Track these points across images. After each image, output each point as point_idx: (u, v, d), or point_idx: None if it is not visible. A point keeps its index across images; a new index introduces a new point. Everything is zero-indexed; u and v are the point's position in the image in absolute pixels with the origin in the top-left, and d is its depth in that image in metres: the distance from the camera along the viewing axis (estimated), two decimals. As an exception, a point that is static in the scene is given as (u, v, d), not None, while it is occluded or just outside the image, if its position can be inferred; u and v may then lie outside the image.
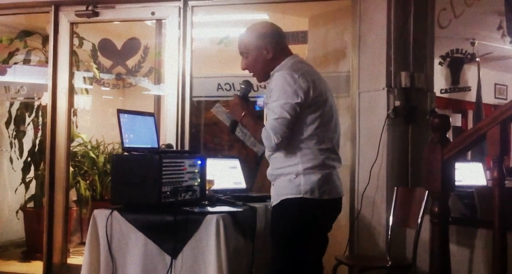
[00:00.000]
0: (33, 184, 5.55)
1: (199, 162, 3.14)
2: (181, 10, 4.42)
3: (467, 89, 6.11)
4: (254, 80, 2.84)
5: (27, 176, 5.55)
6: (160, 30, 4.80)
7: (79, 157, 5.75)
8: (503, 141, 2.17)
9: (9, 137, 5.62)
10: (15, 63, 5.28)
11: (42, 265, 4.64)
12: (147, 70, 4.80)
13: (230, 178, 3.77)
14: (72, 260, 4.74)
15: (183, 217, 2.75)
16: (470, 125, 7.02)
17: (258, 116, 2.78)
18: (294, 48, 2.76)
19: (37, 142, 5.57)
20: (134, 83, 4.78)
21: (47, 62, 4.81)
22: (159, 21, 4.76)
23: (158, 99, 4.99)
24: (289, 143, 2.51)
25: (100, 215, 2.88)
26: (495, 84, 7.42)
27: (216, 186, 3.38)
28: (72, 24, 4.71)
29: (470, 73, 6.17)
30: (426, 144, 2.61)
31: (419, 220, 3.31)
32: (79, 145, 5.76)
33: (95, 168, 5.74)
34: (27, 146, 5.60)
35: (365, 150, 3.94)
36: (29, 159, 5.56)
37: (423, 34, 3.96)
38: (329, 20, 4.74)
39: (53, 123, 4.67)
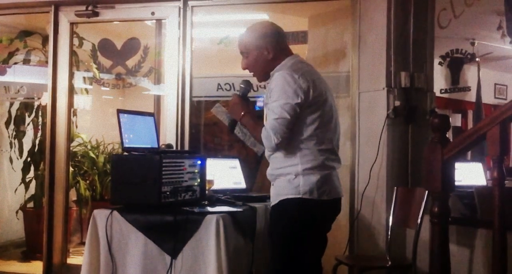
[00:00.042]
0: (33, 184, 5.55)
1: (199, 162, 3.14)
2: (181, 10, 4.42)
3: (467, 89, 6.11)
4: (254, 80, 2.84)
5: (27, 176, 5.55)
6: (160, 30, 4.80)
7: (79, 157, 5.75)
8: (503, 141, 2.17)
9: (9, 137, 5.62)
10: (15, 63, 5.28)
11: (42, 265, 4.64)
12: (147, 70, 4.80)
13: (230, 178, 3.77)
14: (72, 260, 4.74)
15: (183, 217, 2.75)
16: (470, 125, 7.02)
17: (258, 116, 2.78)
18: (294, 48, 2.76)
19: (37, 142, 5.57)
20: (134, 83, 4.78)
21: (47, 62, 4.81)
22: (159, 21, 4.76)
23: (158, 99, 4.99)
24: (289, 143, 2.51)
25: (100, 215, 2.88)
26: (495, 84, 7.42)
27: (216, 186, 3.38)
28: (72, 24, 4.71)
29: (470, 73, 6.18)
30: (426, 144, 2.61)
31: (419, 220, 3.31)
32: (79, 145, 5.75)
33: (95, 168, 5.73)
34: (27, 146, 5.60)
35: (365, 150, 3.94)
36: (29, 159, 5.56)
37: (423, 34, 3.96)
38: (329, 20, 4.74)
39: (53, 123, 4.67)
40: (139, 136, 3.14)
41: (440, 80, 5.58)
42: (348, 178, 4.00)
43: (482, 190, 3.33)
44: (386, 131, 3.81)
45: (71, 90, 4.77)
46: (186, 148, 4.38)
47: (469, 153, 4.87)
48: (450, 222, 2.44)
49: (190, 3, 4.43)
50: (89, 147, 5.87)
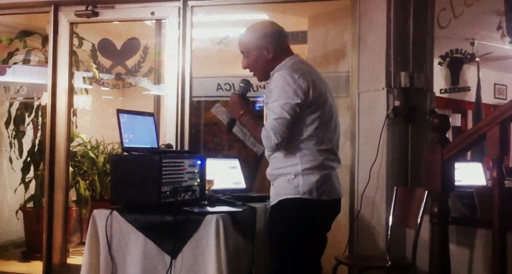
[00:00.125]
0: (32, 184, 5.55)
1: (198, 162, 3.14)
2: (181, 10, 4.42)
3: (467, 89, 6.12)
4: (254, 80, 2.84)
5: (27, 176, 5.55)
6: (160, 30, 4.80)
7: (79, 157, 5.75)
8: (503, 141, 2.17)
9: (8, 137, 5.62)
10: (15, 63, 5.28)
11: (42, 265, 4.64)
12: (147, 70, 4.80)
13: (230, 178, 3.77)
14: (72, 260, 4.74)
15: (182, 217, 2.75)
16: (469, 125, 7.02)
17: (257, 116, 2.78)
18: (294, 48, 2.75)
19: (37, 142, 5.57)
20: (134, 83, 4.77)
21: (46, 62, 4.82)
22: (158, 21, 4.76)
23: (157, 99, 4.99)
24: (288, 143, 2.51)
25: (100, 215, 2.88)
26: (495, 84, 7.42)
27: (216, 186, 3.38)
28: (71, 24, 4.71)
29: (469, 73, 6.18)
30: (425, 144, 2.61)
31: (418, 220, 3.31)
32: (79, 145, 5.75)
33: (94, 168, 5.73)
34: (26, 146, 5.60)
35: (365, 150, 3.94)
36: (28, 159, 5.55)
37: (423, 34, 3.97)
38: (328, 20, 4.74)
39: (53, 123, 4.67)
40: (139, 136, 3.14)
41: (440, 80, 5.58)
42: (348, 178, 4.00)
43: (482, 190, 3.34)
44: (386, 131, 3.81)
45: (71, 90, 4.77)
46: (186, 148, 4.38)
47: (469, 153, 4.87)
48: (450, 222, 2.44)
49: (190, 3, 4.43)
50: (89, 147, 5.87)
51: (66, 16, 4.68)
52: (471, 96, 6.37)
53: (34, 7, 4.81)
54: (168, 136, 4.38)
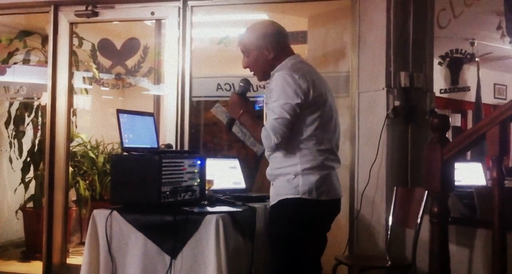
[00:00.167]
0: (32, 184, 5.54)
1: (198, 162, 3.14)
2: (181, 10, 4.42)
3: (467, 89, 6.12)
4: (253, 80, 2.84)
5: (27, 176, 5.55)
6: (160, 30, 4.80)
7: (79, 157, 5.75)
8: (503, 140, 2.17)
9: (8, 137, 5.62)
10: (15, 63, 5.28)
11: (42, 265, 4.64)
12: (147, 70, 4.80)
13: (230, 178, 3.77)
14: (72, 260, 4.74)
15: (182, 217, 2.75)
16: (469, 125, 7.03)
17: (257, 116, 2.78)
18: (294, 48, 2.75)
19: (37, 142, 5.57)
20: (134, 83, 4.78)
21: (46, 62, 4.81)
22: (158, 21, 4.76)
23: (157, 99, 4.99)
24: (288, 143, 2.51)
25: (100, 215, 2.88)
26: (495, 84, 7.42)
27: (216, 186, 3.38)
28: (71, 24, 4.71)
29: (469, 73, 6.18)
30: (425, 144, 2.61)
31: (418, 220, 3.31)
32: (79, 145, 5.75)
33: (94, 168, 5.73)
34: (26, 146, 5.60)
35: (365, 150, 3.94)
36: (28, 159, 5.55)
37: (423, 34, 3.97)
38: (328, 20, 4.74)
39: (53, 123, 4.67)
40: (138, 136, 3.14)
41: (439, 80, 5.59)
42: (347, 178, 4.00)
43: (482, 190, 3.34)
44: (385, 131, 3.81)
45: (71, 90, 4.77)
46: (186, 148, 4.38)
47: (469, 153, 4.87)
48: (450, 222, 2.44)
49: (189, 3, 4.43)
50: (88, 147, 5.87)
51: (66, 16, 4.68)
52: (471, 96, 6.37)
53: (34, 7, 4.81)
54: (168, 136, 4.38)
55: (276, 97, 2.49)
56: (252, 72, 2.74)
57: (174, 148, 4.10)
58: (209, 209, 2.91)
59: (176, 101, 4.40)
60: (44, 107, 4.96)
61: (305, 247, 2.52)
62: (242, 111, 2.67)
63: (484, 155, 4.84)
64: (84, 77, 5.13)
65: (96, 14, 4.57)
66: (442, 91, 5.76)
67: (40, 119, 5.53)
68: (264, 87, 4.11)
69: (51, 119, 4.67)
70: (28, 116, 5.59)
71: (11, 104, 5.53)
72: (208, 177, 3.22)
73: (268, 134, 2.47)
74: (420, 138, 3.86)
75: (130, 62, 4.75)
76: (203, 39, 4.96)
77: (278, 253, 2.57)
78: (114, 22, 4.88)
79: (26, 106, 5.53)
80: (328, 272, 3.42)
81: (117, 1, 4.55)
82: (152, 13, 4.53)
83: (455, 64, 5.73)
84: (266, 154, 2.64)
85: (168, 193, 2.87)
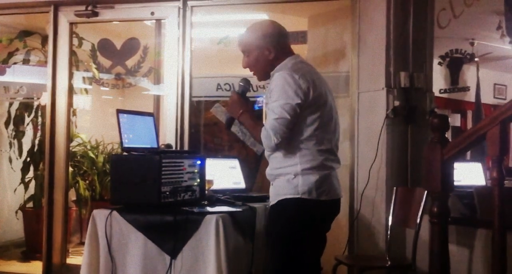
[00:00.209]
0: (32, 184, 5.54)
1: (198, 162, 3.14)
2: (181, 10, 4.42)
3: (466, 89, 6.13)
4: (253, 80, 2.84)
5: (27, 176, 5.55)
6: (160, 30, 4.79)
7: (79, 157, 5.75)
8: (503, 141, 2.17)
9: (8, 137, 5.62)
10: (15, 63, 5.28)
11: (42, 265, 4.64)
12: (147, 70, 4.80)
13: (230, 178, 3.77)
14: (72, 260, 4.74)
15: (182, 217, 2.75)
16: (469, 125, 7.03)
17: (257, 116, 2.77)
18: (293, 48, 2.75)
19: (37, 142, 5.57)
20: (134, 83, 4.78)
21: (46, 62, 4.81)
22: (158, 21, 4.75)
23: (157, 99, 4.98)
24: (288, 143, 2.51)
25: (100, 215, 2.88)
26: (494, 84, 7.42)
27: (216, 186, 3.38)
28: (71, 24, 4.71)
29: (469, 73, 6.18)
30: (425, 144, 2.61)
31: (418, 220, 3.31)
32: (79, 145, 5.75)
33: (94, 168, 5.73)
34: (26, 146, 5.60)
35: (365, 150, 3.94)
36: (28, 159, 5.55)
37: (423, 34, 3.97)
38: (328, 20, 4.74)
39: (53, 123, 4.67)
40: (138, 136, 3.14)
41: (439, 80, 5.59)
42: (347, 178, 4.00)
43: (482, 190, 3.34)
44: (385, 131, 3.81)
45: (71, 90, 4.77)
46: (186, 148, 4.38)
47: (468, 153, 4.87)
48: (450, 222, 2.44)
49: (189, 3, 4.43)
50: (88, 147, 5.87)
51: (65, 16, 4.68)
52: (470, 96, 6.37)
53: (34, 7, 4.81)
54: (168, 136, 4.38)
55: (276, 97, 2.49)
56: (252, 72, 2.74)
57: (174, 148, 4.10)
58: (209, 209, 2.91)
59: (176, 101, 4.40)
60: (44, 107, 4.96)
61: (305, 247, 2.52)
62: (242, 111, 2.66)
63: (484, 155, 4.84)
64: (84, 77, 5.13)
65: (96, 14, 4.57)
66: (442, 91, 5.76)
67: (40, 119, 5.53)
68: (264, 88, 4.11)
69: (51, 119, 4.67)
70: (28, 116, 5.59)
71: (11, 104, 5.53)
72: (208, 177, 3.23)
73: (268, 134, 2.47)
74: (420, 138, 3.86)
75: (130, 62, 4.75)
76: (203, 39, 4.96)
77: (278, 253, 2.57)
78: (114, 22, 4.88)
79: (26, 106, 5.54)
80: (328, 272, 3.41)
81: (117, 1, 4.55)
82: (152, 13, 4.53)
83: (455, 64, 5.74)
84: (266, 154, 2.64)
85: (168, 193, 2.87)
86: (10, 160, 5.58)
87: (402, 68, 3.88)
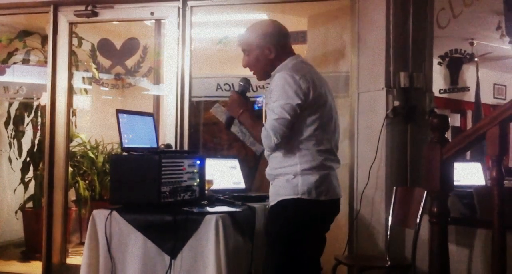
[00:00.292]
0: (32, 184, 5.54)
1: (198, 162, 3.14)
2: (180, 10, 4.42)
3: (466, 89, 6.13)
4: (253, 80, 2.84)
5: (26, 176, 5.55)
6: (159, 30, 4.79)
7: (78, 157, 5.75)
8: (502, 140, 2.17)
9: (8, 137, 5.62)
10: (14, 63, 5.28)
11: (41, 265, 4.64)
12: (146, 70, 4.80)
13: (229, 178, 3.77)
14: (71, 260, 4.74)
15: (182, 217, 2.75)
16: (469, 125, 7.03)
17: (257, 116, 2.77)
18: (293, 48, 2.75)
19: (36, 142, 5.57)
20: (133, 83, 4.78)
21: (46, 62, 4.81)
22: (158, 21, 4.75)
23: (157, 99, 4.98)
24: (288, 143, 2.51)
25: (99, 215, 2.88)
26: (494, 84, 7.42)
27: (215, 186, 3.38)
28: (71, 24, 4.71)
29: (469, 73, 6.19)
30: (425, 144, 2.61)
31: (418, 220, 3.31)
32: (78, 145, 5.75)
33: (94, 168, 5.73)
34: (26, 146, 5.60)
35: (364, 150, 3.94)
36: (28, 159, 5.55)
37: (422, 34, 3.97)
38: (328, 20, 4.74)
39: (52, 123, 4.66)
40: (138, 136, 3.14)
41: (439, 80, 5.59)
42: (347, 178, 4.00)
43: (481, 190, 3.34)
44: (385, 131, 3.81)
45: (70, 90, 4.77)
46: (186, 148, 4.38)
47: (468, 153, 4.88)
48: (449, 221, 2.44)
49: (189, 3, 4.43)
50: (88, 147, 5.87)
51: (65, 16, 4.68)
52: (470, 96, 6.38)
53: (34, 7, 4.80)
54: (168, 136, 4.38)
55: (276, 98, 2.49)
56: (252, 72, 2.74)
57: (173, 148, 4.10)
58: (209, 209, 2.92)
59: (175, 101, 4.40)
60: (44, 107, 4.96)
61: (304, 247, 2.52)
62: (242, 110, 2.65)
63: (483, 155, 4.85)
64: (83, 77, 5.14)
65: (95, 14, 4.57)
66: (442, 91, 5.76)
67: (39, 119, 5.53)
68: (263, 88, 4.11)
69: (51, 119, 4.67)
70: (28, 116, 5.59)
71: (10, 104, 5.53)
72: (207, 177, 3.23)
73: (268, 134, 2.47)
74: (419, 138, 3.86)
75: (130, 62, 4.76)
76: (202, 39, 4.96)
77: (278, 253, 2.57)
78: (113, 22, 4.88)
79: (25, 106, 5.54)
80: (328, 272, 3.42)
81: (116, 1, 4.55)
82: (152, 13, 4.53)
83: (455, 64, 5.74)
84: (266, 153, 2.64)
85: (167, 193, 2.87)
86: (10, 160, 5.58)
87: (402, 68, 3.88)
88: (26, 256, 5.38)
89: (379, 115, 3.84)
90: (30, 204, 5.55)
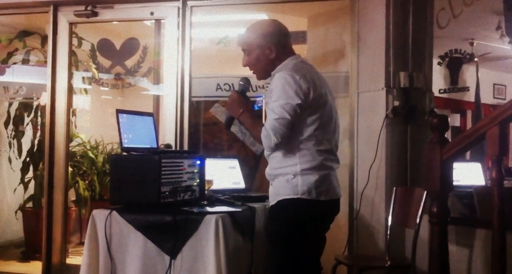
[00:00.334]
0: (32, 184, 5.54)
1: (198, 162, 3.14)
2: (180, 10, 4.42)
3: (466, 89, 6.13)
4: (253, 80, 2.84)
5: (26, 176, 5.55)
6: (159, 30, 4.79)
7: (78, 157, 5.75)
8: (502, 140, 2.17)
9: (8, 137, 5.62)
10: (14, 63, 5.28)
11: (41, 265, 4.64)
12: (146, 70, 4.80)
13: (229, 178, 3.77)
14: (71, 260, 4.74)
15: (182, 217, 2.75)
16: (468, 125, 7.03)
17: (257, 116, 2.77)
18: (293, 48, 2.75)
19: (36, 142, 5.57)
20: (133, 83, 4.78)
21: (46, 62, 4.81)
22: (158, 21, 4.75)
23: (157, 99, 4.98)
24: (288, 143, 2.51)
25: (99, 215, 2.88)
26: (494, 84, 7.43)
27: (215, 186, 3.38)
28: (71, 24, 4.70)
29: (468, 73, 6.18)
30: (425, 144, 2.61)
31: (418, 220, 3.31)
32: (78, 145, 5.75)
33: (94, 168, 5.73)
34: (26, 146, 5.60)
35: (364, 150, 3.94)
36: (28, 159, 5.55)
37: (422, 34, 3.97)
38: (328, 20, 4.74)
39: (52, 123, 4.66)
40: (138, 136, 3.14)
41: (439, 80, 5.59)
42: (347, 178, 4.00)
43: (481, 190, 3.34)
44: (385, 131, 3.81)
45: (70, 90, 4.77)
46: (185, 148, 4.38)
47: (468, 153, 4.88)
48: (449, 221, 2.44)
49: (189, 3, 4.43)
50: (88, 147, 5.87)
51: (65, 16, 4.68)
52: (470, 96, 6.38)
53: (34, 7, 4.80)
54: (168, 136, 4.38)
55: (276, 97, 2.49)
56: (252, 71, 2.74)
57: (173, 148, 4.10)
58: (209, 209, 2.91)
59: (175, 101, 4.40)
60: (44, 107, 4.96)
61: (304, 247, 2.52)
62: (242, 110, 2.65)
63: (483, 155, 4.85)
64: (83, 77, 5.13)
65: (95, 14, 4.57)
66: (442, 91, 5.76)
67: (39, 119, 5.53)
68: (263, 87, 4.11)
69: (51, 119, 4.66)
70: (28, 116, 5.59)
71: (10, 104, 5.53)
72: (207, 177, 3.23)
73: (268, 134, 2.47)
74: (419, 138, 3.86)
75: (130, 62, 4.75)
76: (202, 39, 4.95)
77: (278, 253, 2.57)
78: (113, 22, 4.88)
79: (25, 106, 5.54)
80: (328, 272, 3.42)
81: (116, 1, 4.55)
82: (152, 13, 4.53)
83: (455, 64, 5.74)
84: (266, 153, 2.64)
85: (167, 193, 2.87)
86: (10, 160, 5.58)
87: (402, 68, 3.89)
88: (26, 256, 5.38)
89: (379, 115, 3.85)
90: (30, 204, 5.55)
